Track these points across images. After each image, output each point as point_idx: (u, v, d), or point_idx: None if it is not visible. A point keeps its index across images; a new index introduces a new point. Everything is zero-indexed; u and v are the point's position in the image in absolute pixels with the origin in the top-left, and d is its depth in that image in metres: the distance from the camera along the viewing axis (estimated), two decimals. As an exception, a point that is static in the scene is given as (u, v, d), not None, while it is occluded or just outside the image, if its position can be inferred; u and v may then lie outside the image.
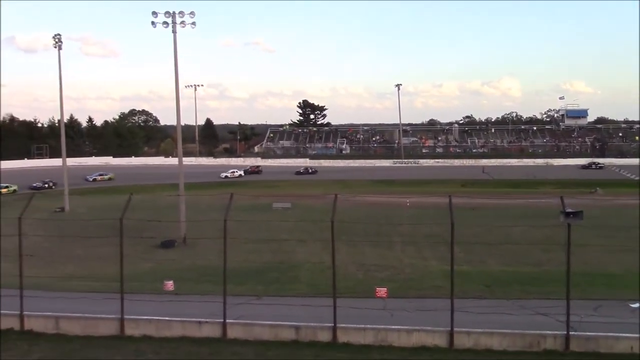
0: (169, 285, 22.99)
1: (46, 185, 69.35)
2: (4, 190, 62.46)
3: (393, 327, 17.62)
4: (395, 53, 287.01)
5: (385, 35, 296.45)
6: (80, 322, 18.65)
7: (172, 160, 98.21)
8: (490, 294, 25.52)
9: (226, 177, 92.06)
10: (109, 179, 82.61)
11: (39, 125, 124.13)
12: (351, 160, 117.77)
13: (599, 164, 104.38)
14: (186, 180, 53.57)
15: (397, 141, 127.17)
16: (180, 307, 21.12)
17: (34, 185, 66.93)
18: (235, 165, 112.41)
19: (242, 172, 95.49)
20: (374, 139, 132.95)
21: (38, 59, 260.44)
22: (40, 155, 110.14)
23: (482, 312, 19.33)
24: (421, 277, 31.31)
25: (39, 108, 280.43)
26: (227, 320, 18.03)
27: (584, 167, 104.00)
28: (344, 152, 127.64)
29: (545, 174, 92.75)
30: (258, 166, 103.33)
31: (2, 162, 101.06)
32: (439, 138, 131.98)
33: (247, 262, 32.26)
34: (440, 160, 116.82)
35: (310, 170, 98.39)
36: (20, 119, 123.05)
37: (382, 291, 21.01)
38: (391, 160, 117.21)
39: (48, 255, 33.37)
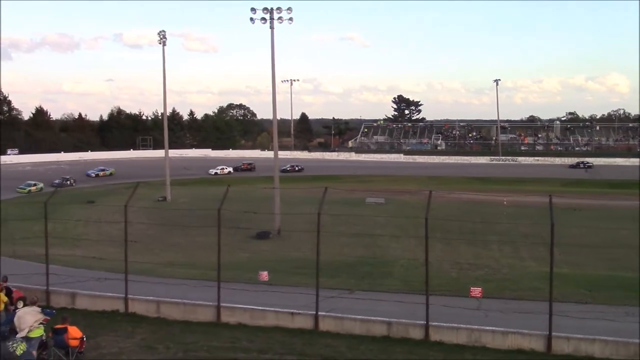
0: (264, 275, 23.46)
1: (68, 182, 66.98)
2: (32, 189, 62.13)
3: (487, 327, 17.19)
4: (494, 48, 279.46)
5: (482, 30, 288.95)
6: (180, 307, 19.40)
7: (268, 154, 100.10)
8: (592, 298, 24.33)
9: (215, 173, 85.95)
10: (110, 174, 78.98)
11: (144, 118, 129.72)
12: (446, 157, 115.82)
13: (587, 163, 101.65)
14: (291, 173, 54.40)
15: (494, 138, 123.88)
16: (274, 297, 21.52)
17: (56, 182, 65.38)
18: (329, 159, 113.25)
19: (231, 169, 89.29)
20: (470, 135, 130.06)
21: (143, 54, 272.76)
22: (144, 147, 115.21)
23: (583, 318, 18.52)
24: (518, 277, 30.40)
25: (143, 102, 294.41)
26: (319, 313, 18.20)
27: (571, 166, 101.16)
28: (439, 148, 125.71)
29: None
30: (250, 163, 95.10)
31: (111, 152, 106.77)
32: (539, 135, 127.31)
33: (340, 255, 32.44)
34: (540, 158, 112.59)
35: (297, 168, 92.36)
36: (127, 112, 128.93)
37: (476, 291, 20.54)
38: (488, 157, 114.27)
39: (151, 242, 34.90)
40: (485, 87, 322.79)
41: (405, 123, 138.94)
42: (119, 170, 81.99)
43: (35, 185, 62.16)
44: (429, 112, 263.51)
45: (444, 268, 31.39)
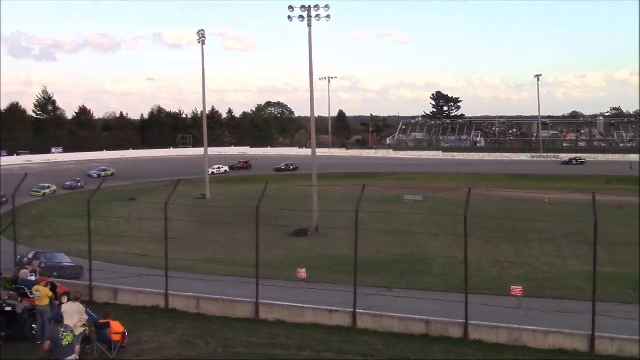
0: (302, 273, 23.51)
1: (79, 185, 64.77)
2: (47, 191, 60.06)
3: (528, 327, 16.91)
4: (534, 42, 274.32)
5: (523, 24, 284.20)
6: (219, 303, 19.59)
7: (306, 151, 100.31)
8: (638, 299, 23.77)
9: (212, 173, 79.48)
10: (112, 174, 76.39)
11: (184, 116, 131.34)
12: (486, 154, 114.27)
13: (580, 159, 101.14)
14: (318, 171, 54.54)
15: (535, 134, 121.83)
16: (312, 294, 21.57)
17: (67, 184, 63.77)
18: (367, 156, 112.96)
19: (227, 168, 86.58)
20: (510, 131, 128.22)
21: (183, 54, 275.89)
22: (184, 145, 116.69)
23: (628, 318, 18.08)
24: (560, 276, 29.90)
25: (183, 100, 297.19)
26: (357, 310, 18.17)
27: (564, 162, 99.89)
28: (478, 145, 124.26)
29: None
30: (247, 161, 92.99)
31: (151, 150, 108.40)
32: (582, 131, 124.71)
33: (378, 253, 32.39)
34: (583, 154, 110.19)
35: (291, 167, 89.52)
36: (167, 111, 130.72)
37: (517, 289, 20.21)
38: (529, 154, 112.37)
39: (191, 239, 35.39)
40: (525, 83, 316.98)
41: (443, 120, 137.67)
42: (158, 168, 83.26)
43: (49, 187, 60.21)
44: (468, 109, 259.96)
45: (483, 266, 31.06)
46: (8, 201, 52.04)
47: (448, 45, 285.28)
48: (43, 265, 24.14)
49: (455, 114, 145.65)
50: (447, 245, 35.76)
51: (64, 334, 12.65)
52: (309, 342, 16.55)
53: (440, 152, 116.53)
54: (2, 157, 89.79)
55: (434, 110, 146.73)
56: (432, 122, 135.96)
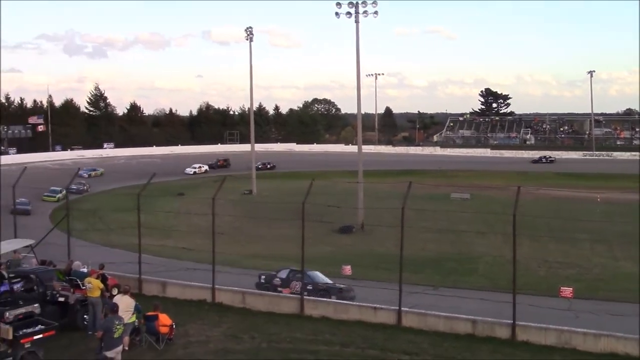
0: (347, 269, 23.57)
1: (84, 188, 60.54)
2: (60, 195, 54.08)
3: (578, 329, 16.53)
4: (587, 38, 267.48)
5: (575, 20, 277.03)
6: (265, 298, 19.79)
7: (352, 148, 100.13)
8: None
9: (194, 173, 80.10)
10: (101, 174, 73.53)
11: (231, 112, 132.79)
12: (536, 152, 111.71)
13: (549, 157, 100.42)
14: (365, 167, 54.44)
15: (587, 132, 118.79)
16: (357, 291, 21.59)
17: (73, 187, 55.31)
18: (413, 154, 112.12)
19: (207, 167, 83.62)
20: (561, 129, 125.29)
21: (230, 51, 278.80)
22: (231, 141, 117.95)
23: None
24: (611, 278, 29.15)
25: (231, 97, 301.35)
26: (402, 308, 18.09)
27: (534, 161, 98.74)
28: (528, 142, 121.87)
29: None
30: (226, 159, 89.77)
31: (200, 146, 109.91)
32: (637, 129, 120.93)
33: (424, 251, 32.18)
34: (637, 153, 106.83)
35: (268, 166, 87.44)
36: (215, 107, 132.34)
37: (567, 291, 19.83)
38: (581, 153, 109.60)
39: (237, 234, 35.79)
40: (577, 79, 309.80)
41: (492, 117, 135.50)
42: (206, 164, 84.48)
43: (61, 191, 53.71)
44: (518, 106, 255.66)
45: (531, 266, 30.52)
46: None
47: (497, 41, 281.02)
48: (310, 287, 22.08)
49: (505, 111, 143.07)
50: (495, 244, 35.24)
51: (118, 326, 13.02)
52: (353, 339, 16.56)
53: (489, 150, 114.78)
54: (49, 153, 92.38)
55: (483, 107, 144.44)
56: (481, 119, 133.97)
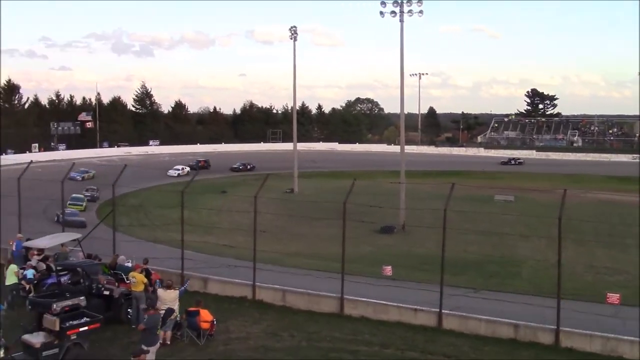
0: (388, 270, 23.40)
1: (96, 195, 54.01)
2: (85, 204, 50.36)
3: (625, 337, 16.11)
4: (635, 37, 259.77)
5: (623, 19, 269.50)
6: (304, 297, 19.83)
7: (394, 148, 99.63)
8: None
9: (178, 175, 73.71)
10: (92, 176, 67.91)
11: (274, 111, 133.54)
12: (583, 154, 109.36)
13: (518, 159, 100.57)
14: (407, 168, 54.08)
15: (638, 134, 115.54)
16: (397, 292, 21.42)
17: (88, 195, 53.58)
18: (457, 155, 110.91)
19: (189, 169, 78.09)
20: (610, 131, 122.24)
21: (273, 50, 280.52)
22: (274, 140, 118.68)
23: None
24: (662, 285, 28.19)
25: (274, 96, 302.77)
26: (443, 311, 17.92)
27: (503, 162, 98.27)
28: (575, 144, 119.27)
29: None
30: (206, 160, 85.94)
31: (243, 144, 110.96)
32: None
33: (465, 253, 31.78)
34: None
35: (248, 167, 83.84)
36: (258, 106, 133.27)
37: (614, 297, 19.25)
38: (630, 155, 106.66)
39: (278, 232, 35.94)
40: (627, 80, 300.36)
41: (538, 118, 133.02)
42: (248, 162, 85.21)
43: (84, 199, 50.47)
44: (565, 107, 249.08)
45: (577, 271, 29.84)
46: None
47: (543, 40, 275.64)
48: None
49: (551, 112, 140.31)
50: (539, 247, 34.58)
51: (159, 324, 13.38)
52: (393, 340, 16.49)
53: (534, 152, 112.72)
54: (97, 149, 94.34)
55: (528, 107, 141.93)
56: (526, 120, 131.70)
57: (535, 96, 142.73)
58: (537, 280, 27.78)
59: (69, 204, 45.97)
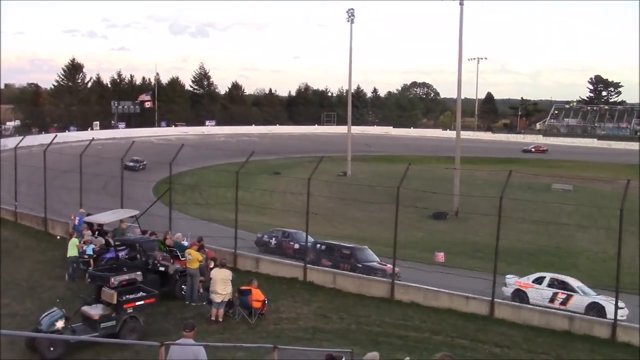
0: (440, 256, 23.26)
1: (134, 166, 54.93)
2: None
3: (686, 334, 15.57)
4: None
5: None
6: (355, 281, 19.88)
7: (450, 134, 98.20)
8: None
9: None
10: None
11: (329, 94, 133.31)
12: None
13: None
14: (462, 154, 53.28)
15: None
16: (448, 279, 21.23)
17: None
18: (514, 142, 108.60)
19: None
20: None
21: (329, 32, 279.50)
22: (328, 122, 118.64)
23: None
24: None
25: (329, 79, 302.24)
26: (496, 299, 17.68)
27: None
28: (639, 134, 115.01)
29: None
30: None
31: (297, 126, 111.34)
32: None
33: (520, 242, 31.20)
34: None
35: (140, 166, 63.77)
36: (313, 88, 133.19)
37: (675, 293, 18.64)
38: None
39: (330, 215, 36.08)
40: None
41: (601, 105, 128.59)
42: (302, 144, 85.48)
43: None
44: (630, 95, 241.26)
45: (636, 264, 28.90)
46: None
47: (608, 26, 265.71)
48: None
49: (615, 99, 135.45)
50: (597, 239, 33.64)
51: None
52: (443, 327, 16.37)
53: (595, 140, 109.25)
54: (155, 128, 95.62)
55: (591, 95, 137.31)
56: (588, 108, 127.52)
57: (598, 83, 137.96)
58: (594, 272, 27.11)
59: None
